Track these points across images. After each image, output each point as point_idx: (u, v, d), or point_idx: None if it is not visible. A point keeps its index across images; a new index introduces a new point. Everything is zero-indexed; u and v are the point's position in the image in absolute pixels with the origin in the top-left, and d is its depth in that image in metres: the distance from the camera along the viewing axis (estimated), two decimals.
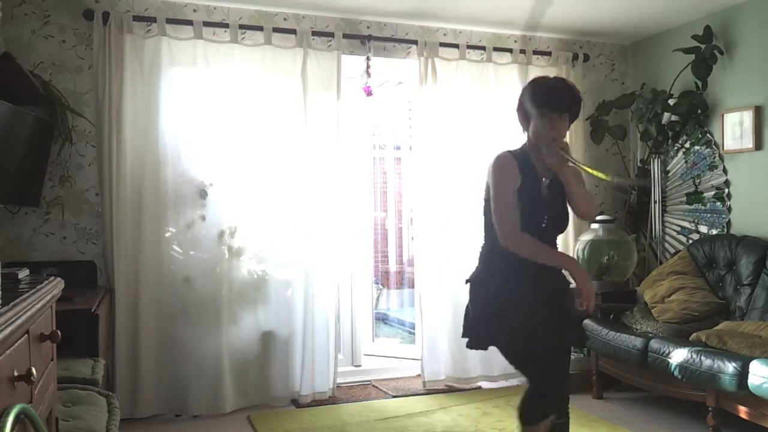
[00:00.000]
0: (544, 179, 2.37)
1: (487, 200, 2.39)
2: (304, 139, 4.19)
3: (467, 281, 2.45)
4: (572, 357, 4.36)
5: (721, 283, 4.06)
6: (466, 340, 2.45)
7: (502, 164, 2.33)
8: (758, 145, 4.12)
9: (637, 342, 3.74)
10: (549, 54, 4.80)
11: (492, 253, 2.38)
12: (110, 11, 3.88)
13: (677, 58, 4.45)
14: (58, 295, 1.84)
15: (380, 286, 7.92)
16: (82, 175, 3.92)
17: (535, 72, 4.73)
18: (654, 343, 3.64)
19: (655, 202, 4.81)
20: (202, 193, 4.00)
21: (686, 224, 4.63)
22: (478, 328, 2.39)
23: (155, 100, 3.93)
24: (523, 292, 2.30)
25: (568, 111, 2.34)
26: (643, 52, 5.05)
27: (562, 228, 2.47)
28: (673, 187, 4.73)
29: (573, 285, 2.39)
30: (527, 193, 2.32)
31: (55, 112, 3.74)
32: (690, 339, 3.59)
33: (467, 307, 2.45)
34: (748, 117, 4.15)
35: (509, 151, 2.40)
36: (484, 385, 4.43)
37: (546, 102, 2.32)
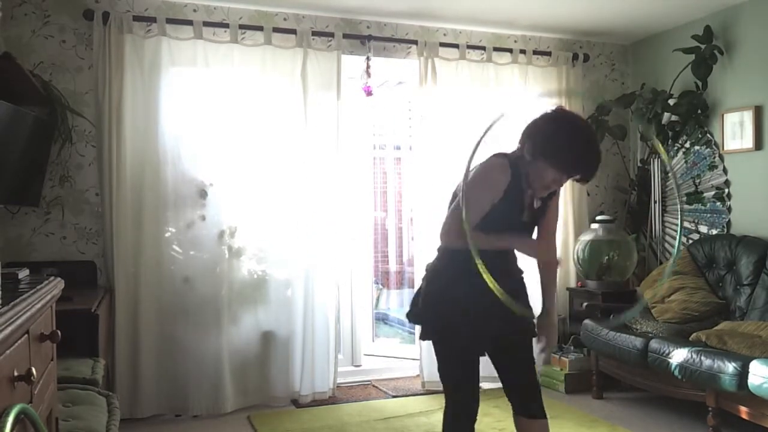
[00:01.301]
0: (527, 202, 2.24)
1: (457, 193, 2.28)
2: (304, 139, 4.18)
3: (423, 278, 2.39)
4: (572, 357, 4.38)
5: (721, 283, 4.06)
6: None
7: (492, 170, 2.20)
8: (758, 145, 4.12)
9: (637, 342, 3.74)
10: (549, 54, 4.80)
11: (447, 250, 2.29)
12: (110, 11, 3.88)
13: (677, 58, 4.45)
14: (58, 295, 1.84)
15: (380, 286, 7.92)
16: (82, 175, 3.92)
17: (535, 72, 4.73)
18: (654, 343, 3.64)
19: (655, 202, 4.81)
20: (202, 193, 4.00)
21: (686, 224, 4.62)
22: (421, 320, 2.39)
23: (155, 100, 3.93)
24: (464, 294, 2.19)
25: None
26: (643, 52, 5.05)
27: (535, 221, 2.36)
28: (673, 187, 4.73)
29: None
30: (507, 213, 2.20)
31: (55, 112, 3.74)
32: (690, 339, 3.59)
33: (415, 294, 2.40)
34: (748, 117, 4.15)
35: (505, 157, 2.24)
36: (485, 385, 4.43)
37: (579, 173, 2.14)
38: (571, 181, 2.22)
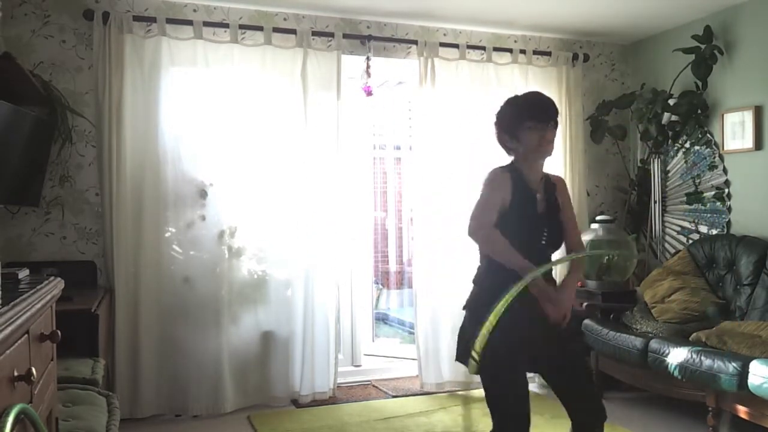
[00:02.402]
0: (538, 195, 2.35)
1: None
2: (304, 139, 4.18)
3: (464, 308, 2.37)
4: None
5: (721, 283, 4.06)
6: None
7: (494, 176, 2.31)
8: (758, 145, 4.12)
9: (637, 342, 3.74)
10: (549, 54, 4.80)
11: (486, 274, 2.32)
12: (110, 11, 3.87)
13: (677, 58, 4.45)
14: (58, 295, 1.84)
15: (380, 286, 7.92)
16: (82, 175, 3.92)
17: (535, 72, 4.74)
18: (654, 343, 3.64)
19: (655, 202, 4.81)
20: (202, 193, 4.00)
21: (686, 224, 4.63)
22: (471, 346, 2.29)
23: (155, 100, 3.93)
24: (508, 318, 2.11)
25: (553, 119, 2.32)
26: (643, 52, 5.05)
27: (559, 244, 2.42)
28: (673, 187, 4.73)
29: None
30: (521, 206, 2.28)
31: (55, 112, 3.74)
32: (690, 339, 3.59)
33: (461, 328, 2.36)
34: (748, 117, 4.15)
35: (501, 166, 2.37)
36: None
37: (534, 114, 2.30)
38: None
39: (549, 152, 2.33)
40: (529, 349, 2.24)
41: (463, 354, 2.31)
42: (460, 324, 2.40)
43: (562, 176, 4.70)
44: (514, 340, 2.19)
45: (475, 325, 2.17)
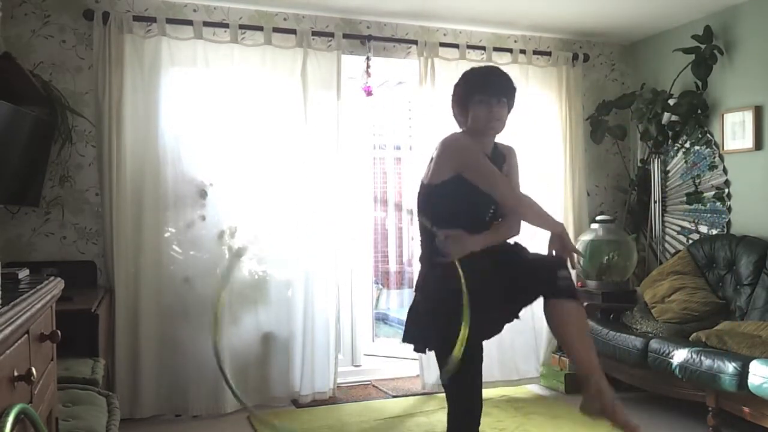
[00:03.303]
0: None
1: (425, 199, 2.32)
2: (304, 139, 4.18)
3: (415, 290, 2.38)
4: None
5: (721, 283, 4.06)
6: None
7: (461, 139, 2.30)
8: (758, 145, 4.12)
9: (637, 342, 3.74)
10: (549, 54, 4.80)
11: (427, 258, 2.31)
12: (110, 11, 3.87)
13: (677, 58, 4.45)
14: (58, 295, 1.84)
15: (380, 286, 7.92)
16: (82, 175, 3.92)
17: (535, 72, 4.74)
18: (654, 343, 3.64)
19: (655, 202, 4.81)
20: (202, 193, 4.00)
21: (686, 224, 4.63)
22: (422, 332, 2.34)
23: (155, 100, 3.93)
24: (453, 298, 2.09)
25: (505, 96, 2.32)
26: (643, 52, 5.05)
27: (498, 216, 2.38)
28: (673, 187, 4.73)
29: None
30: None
31: (55, 112, 3.74)
32: (690, 339, 3.59)
33: (410, 310, 2.39)
34: (748, 117, 4.15)
35: (459, 132, 2.37)
36: (485, 386, 4.44)
37: (483, 88, 2.29)
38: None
39: (497, 129, 2.32)
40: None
41: (413, 339, 2.37)
42: None
43: (562, 176, 4.74)
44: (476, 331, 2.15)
45: (428, 313, 2.24)
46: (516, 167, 2.44)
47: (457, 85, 2.38)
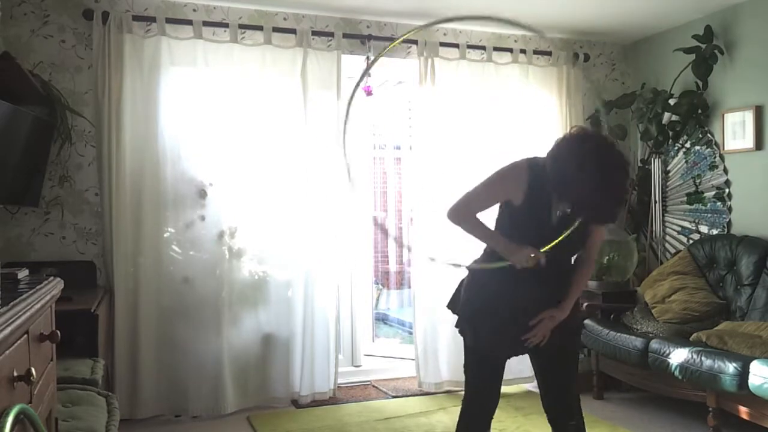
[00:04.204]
0: (554, 201, 2.15)
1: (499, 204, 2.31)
2: (304, 139, 4.18)
3: (467, 267, 2.40)
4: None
5: (722, 283, 4.05)
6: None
7: (510, 171, 2.21)
8: (758, 145, 4.11)
9: (638, 342, 3.74)
10: (549, 54, 4.79)
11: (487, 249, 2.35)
12: (110, 11, 3.87)
13: (677, 57, 4.45)
14: (57, 295, 1.84)
15: (380, 286, 7.92)
16: (81, 175, 3.92)
17: (535, 72, 4.72)
18: (654, 344, 3.64)
19: (655, 202, 4.81)
20: (202, 193, 4.00)
21: (687, 224, 4.62)
22: (459, 310, 2.40)
23: (155, 100, 3.93)
24: (497, 295, 2.24)
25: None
26: (643, 52, 5.05)
27: (567, 260, 2.31)
28: (673, 187, 4.73)
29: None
30: (532, 209, 2.17)
31: (54, 112, 3.73)
32: (690, 339, 3.59)
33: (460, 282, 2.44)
34: (748, 117, 4.15)
35: (528, 161, 2.19)
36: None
37: (582, 204, 2.04)
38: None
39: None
40: (519, 333, 2.26)
41: (454, 305, 2.43)
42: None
43: None
44: (502, 333, 2.26)
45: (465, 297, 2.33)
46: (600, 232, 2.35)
47: (556, 158, 2.09)
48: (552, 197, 2.14)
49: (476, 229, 2.26)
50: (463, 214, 2.28)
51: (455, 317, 2.41)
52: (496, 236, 2.25)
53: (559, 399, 2.36)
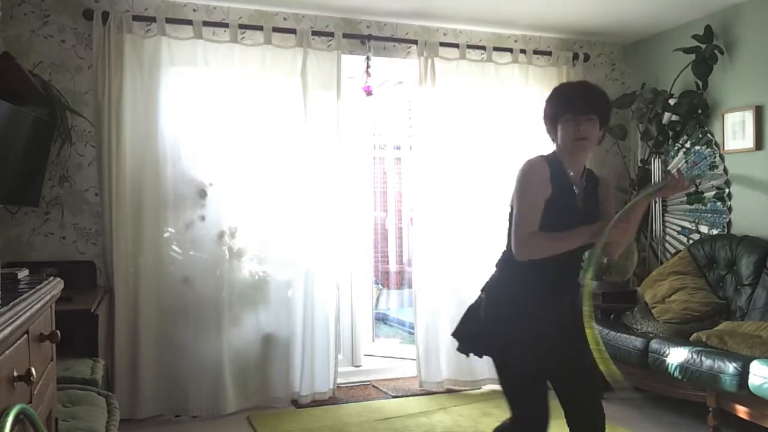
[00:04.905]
0: (577, 189, 2.23)
1: (512, 206, 2.26)
2: (304, 139, 4.18)
3: (482, 290, 2.33)
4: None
5: (722, 283, 4.05)
6: (457, 343, 2.36)
7: (531, 168, 2.19)
8: (758, 145, 4.11)
9: (638, 342, 3.74)
10: (549, 54, 4.79)
11: (508, 262, 2.25)
12: (110, 11, 3.87)
13: (677, 57, 4.45)
14: (57, 295, 1.84)
15: (380, 286, 7.92)
16: (81, 175, 3.92)
17: (535, 72, 4.73)
18: (654, 344, 3.64)
19: (655, 202, 4.81)
20: (202, 193, 4.00)
21: (687, 224, 4.62)
22: (480, 335, 2.29)
23: (155, 99, 3.93)
24: (529, 308, 2.18)
25: (595, 113, 2.20)
26: (643, 52, 5.05)
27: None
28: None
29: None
30: (560, 200, 2.17)
31: (54, 112, 3.73)
32: (690, 339, 3.59)
33: (471, 309, 2.34)
34: (748, 117, 4.15)
35: (542, 156, 2.23)
36: (485, 386, 4.44)
37: (568, 105, 2.18)
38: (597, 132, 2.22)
39: (583, 148, 2.21)
40: (550, 354, 2.20)
41: (462, 335, 2.33)
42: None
43: None
44: (540, 346, 2.18)
45: (488, 307, 2.23)
46: (612, 196, 2.37)
47: (547, 101, 2.28)
48: (568, 174, 2.22)
49: (553, 241, 2.15)
50: (529, 240, 2.15)
51: (455, 321, 2.35)
52: (576, 230, 2.17)
53: (589, 414, 2.33)
